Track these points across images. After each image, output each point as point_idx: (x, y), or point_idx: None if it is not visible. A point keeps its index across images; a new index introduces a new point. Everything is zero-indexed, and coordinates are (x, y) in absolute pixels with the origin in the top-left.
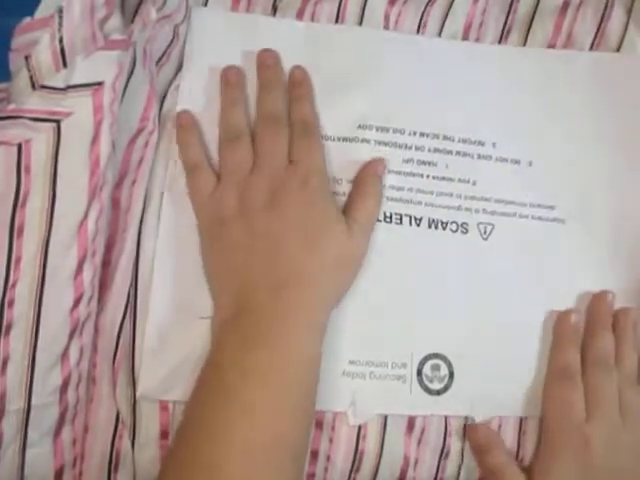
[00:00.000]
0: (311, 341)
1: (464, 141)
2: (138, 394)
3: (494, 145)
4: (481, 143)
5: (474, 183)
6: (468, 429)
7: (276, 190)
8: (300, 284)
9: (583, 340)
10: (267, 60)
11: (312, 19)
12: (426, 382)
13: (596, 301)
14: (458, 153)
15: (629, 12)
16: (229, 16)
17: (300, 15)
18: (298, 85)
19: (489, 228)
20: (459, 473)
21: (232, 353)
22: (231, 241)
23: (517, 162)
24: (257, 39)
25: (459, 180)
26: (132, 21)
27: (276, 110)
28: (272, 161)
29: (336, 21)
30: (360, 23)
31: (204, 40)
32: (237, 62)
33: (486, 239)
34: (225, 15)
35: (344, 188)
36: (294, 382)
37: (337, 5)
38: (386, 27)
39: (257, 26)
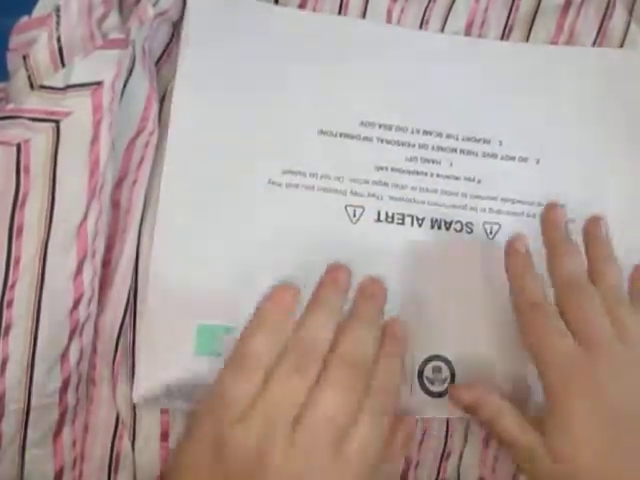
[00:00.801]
0: None
1: (469, 139)
2: (135, 400)
3: (500, 143)
4: (487, 141)
5: (479, 182)
6: (450, 391)
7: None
8: None
9: (548, 268)
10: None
11: (314, 12)
12: (427, 384)
13: (547, 218)
14: (462, 151)
15: (630, 11)
16: (229, 1)
17: (302, 8)
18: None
19: (495, 227)
20: (459, 474)
21: None
22: None
23: (524, 160)
24: (257, 26)
25: (464, 178)
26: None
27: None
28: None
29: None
30: (362, 18)
31: (203, 26)
32: (235, 48)
33: (492, 239)
34: (225, 0)
35: (345, 186)
36: None
37: (339, 1)
38: (388, 23)
39: (258, 12)
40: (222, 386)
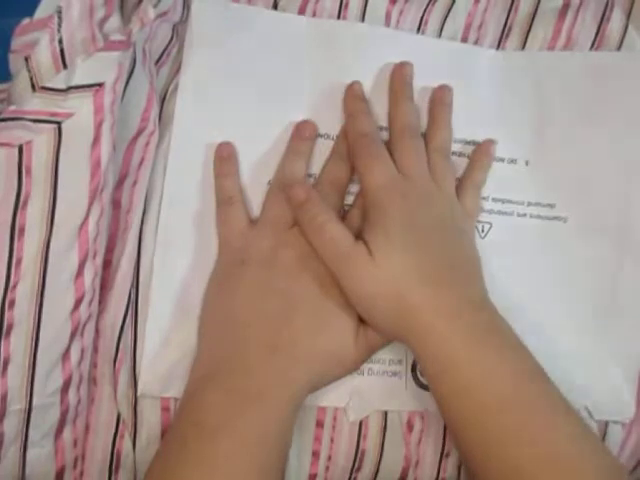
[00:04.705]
0: (292, 411)
1: (460, 141)
2: (139, 392)
3: None
4: (477, 143)
5: None
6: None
7: (311, 259)
8: (294, 357)
9: (389, 115)
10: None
11: (313, 16)
12: (420, 378)
13: (396, 72)
14: (454, 153)
15: (628, 14)
16: (231, 7)
17: (301, 12)
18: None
19: (487, 227)
20: (459, 472)
21: (222, 416)
22: (244, 285)
23: (514, 161)
24: (258, 32)
25: (456, 180)
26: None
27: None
28: None
29: (337, 19)
30: (362, 20)
31: (205, 31)
32: (237, 55)
33: (483, 238)
34: (227, 6)
35: None
36: (280, 446)
37: (338, 3)
38: (387, 25)
39: (259, 19)
40: (272, 204)
